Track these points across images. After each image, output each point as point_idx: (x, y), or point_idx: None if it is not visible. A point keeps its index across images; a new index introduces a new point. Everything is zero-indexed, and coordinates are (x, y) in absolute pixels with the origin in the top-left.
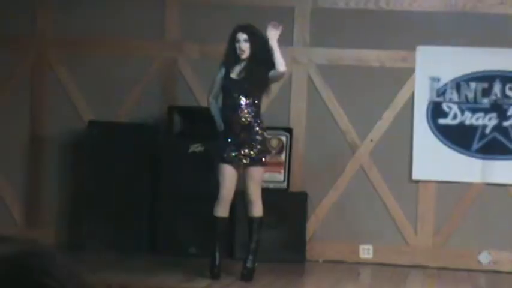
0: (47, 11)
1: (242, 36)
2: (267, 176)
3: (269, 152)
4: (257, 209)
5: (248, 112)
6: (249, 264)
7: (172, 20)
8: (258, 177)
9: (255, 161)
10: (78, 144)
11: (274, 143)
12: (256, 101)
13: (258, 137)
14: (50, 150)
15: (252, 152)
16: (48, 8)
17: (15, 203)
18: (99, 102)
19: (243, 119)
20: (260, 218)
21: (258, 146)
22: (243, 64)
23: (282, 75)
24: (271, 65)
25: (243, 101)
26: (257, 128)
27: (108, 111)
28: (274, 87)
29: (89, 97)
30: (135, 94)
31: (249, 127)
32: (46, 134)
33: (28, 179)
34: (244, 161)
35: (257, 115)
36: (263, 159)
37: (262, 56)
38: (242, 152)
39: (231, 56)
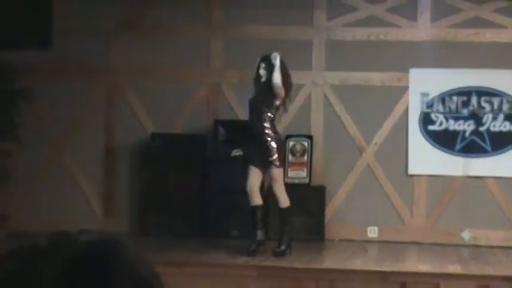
0: (118, 45)
1: (262, 64)
2: (293, 173)
3: (280, 155)
4: (282, 202)
5: (263, 128)
6: (282, 246)
7: (216, 51)
8: (277, 177)
9: (273, 164)
10: (143, 151)
11: (298, 147)
12: (267, 117)
13: (273, 145)
14: (121, 157)
15: (270, 158)
16: (118, 43)
17: (96, 200)
18: (160, 118)
19: (261, 135)
20: (286, 208)
21: (274, 152)
22: (257, 87)
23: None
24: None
25: (257, 120)
26: (269, 139)
27: (167, 125)
28: (298, 103)
29: (152, 114)
30: (187, 111)
31: (266, 139)
32: (118, 145)
33: (105, 181)
34: (265, 165)
35: (270, 128)
36: (278, 162)
37: (271, 82)
38: (263, 158)
39: (254, 79)
